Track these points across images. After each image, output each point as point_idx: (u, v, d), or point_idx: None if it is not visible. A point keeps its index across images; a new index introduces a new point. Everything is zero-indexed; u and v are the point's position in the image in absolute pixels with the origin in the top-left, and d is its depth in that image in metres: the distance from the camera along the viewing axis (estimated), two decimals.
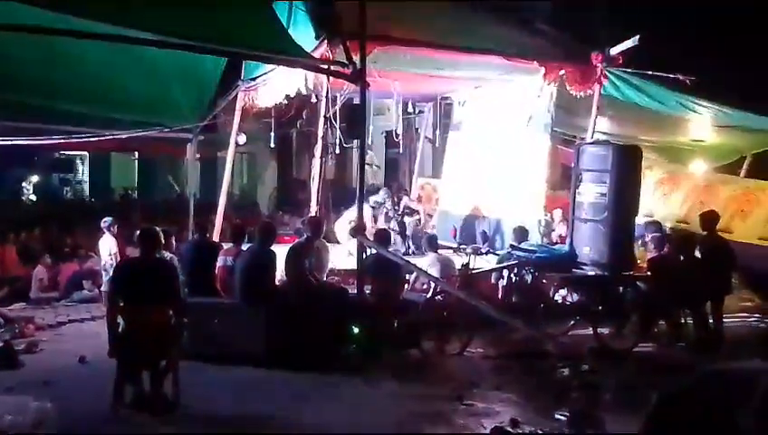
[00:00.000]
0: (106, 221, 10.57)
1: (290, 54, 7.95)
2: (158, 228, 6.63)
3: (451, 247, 10.59)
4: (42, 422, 5.46)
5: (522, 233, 9.76)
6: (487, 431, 5.78)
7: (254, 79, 10.49)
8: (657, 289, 8.57)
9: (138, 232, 6.55)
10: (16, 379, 7.01)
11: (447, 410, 6.33)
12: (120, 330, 6.05)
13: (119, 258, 9.71)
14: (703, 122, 11.88)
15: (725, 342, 8.37)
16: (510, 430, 5.82)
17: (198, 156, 12.65)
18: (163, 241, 6.72)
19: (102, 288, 10.23)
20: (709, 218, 8.90)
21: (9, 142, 10.96)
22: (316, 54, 8.51)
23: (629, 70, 10.32)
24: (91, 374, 7.06)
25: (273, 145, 14.53)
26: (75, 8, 6.31)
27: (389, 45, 8.85)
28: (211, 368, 7.08)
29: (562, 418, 6.06)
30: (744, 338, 8.97)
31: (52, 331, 9.10)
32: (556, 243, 10.72)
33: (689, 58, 10.93)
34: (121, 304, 6.10)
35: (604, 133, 12.31)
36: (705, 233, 8.88)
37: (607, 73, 10.27)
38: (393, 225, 11.36)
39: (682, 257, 8.70)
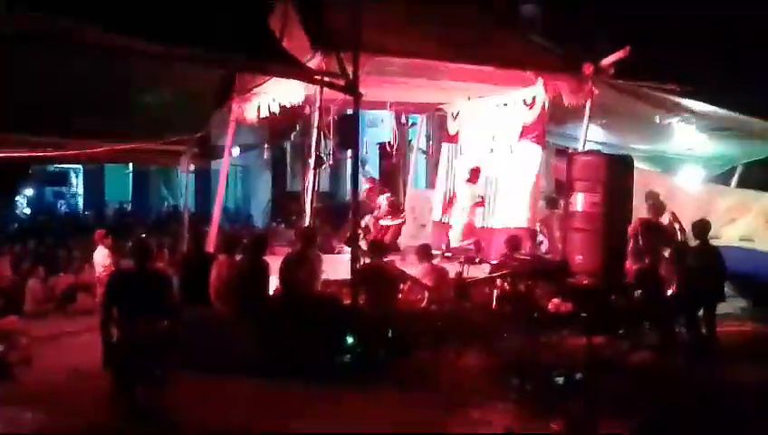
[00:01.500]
0: (100, 233, 10.52)
1: (284, 65, 7.99)
2: (150, 240, 6.65)
3: (445, 256, 10.63)
4: None
5: (515, 242, 9.78)
6: None
7: (247, 90, 10.51)
8: (647, 298, 8.61)
9: (130, 244, 6.57)
10: (10, 391, 6.98)
11: (442, 420, 6.34)
12: (114, 341, 6.06)
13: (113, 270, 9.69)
14: (694, 130, 11.94)
15: (719, 348, 8.41)
16: None
17: (192, 168, 12.62)
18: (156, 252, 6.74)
19: (97, 300, 10.20)
20: (701, 226, 8.94)
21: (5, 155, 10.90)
22: (310, 65, 8.55)
23: (620, 80, 10.40)
24: (85, 386, 7.03)
25: (266, 157, 14.54)
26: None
27: (383, 56, 8.90)
28: (205, 379, 7.06)
29: (557, 427, 6.08)
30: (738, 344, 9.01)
31: (46, 343, 9.06)
32: (548, 253, 10.74)
33: (679, 67, 11.03)
34: (115, 316, 6.10)
35: (596, 142, 12.34)
36: (696, 241, 8.93)
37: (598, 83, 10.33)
38: None
39: (674, 266, 8.74)
